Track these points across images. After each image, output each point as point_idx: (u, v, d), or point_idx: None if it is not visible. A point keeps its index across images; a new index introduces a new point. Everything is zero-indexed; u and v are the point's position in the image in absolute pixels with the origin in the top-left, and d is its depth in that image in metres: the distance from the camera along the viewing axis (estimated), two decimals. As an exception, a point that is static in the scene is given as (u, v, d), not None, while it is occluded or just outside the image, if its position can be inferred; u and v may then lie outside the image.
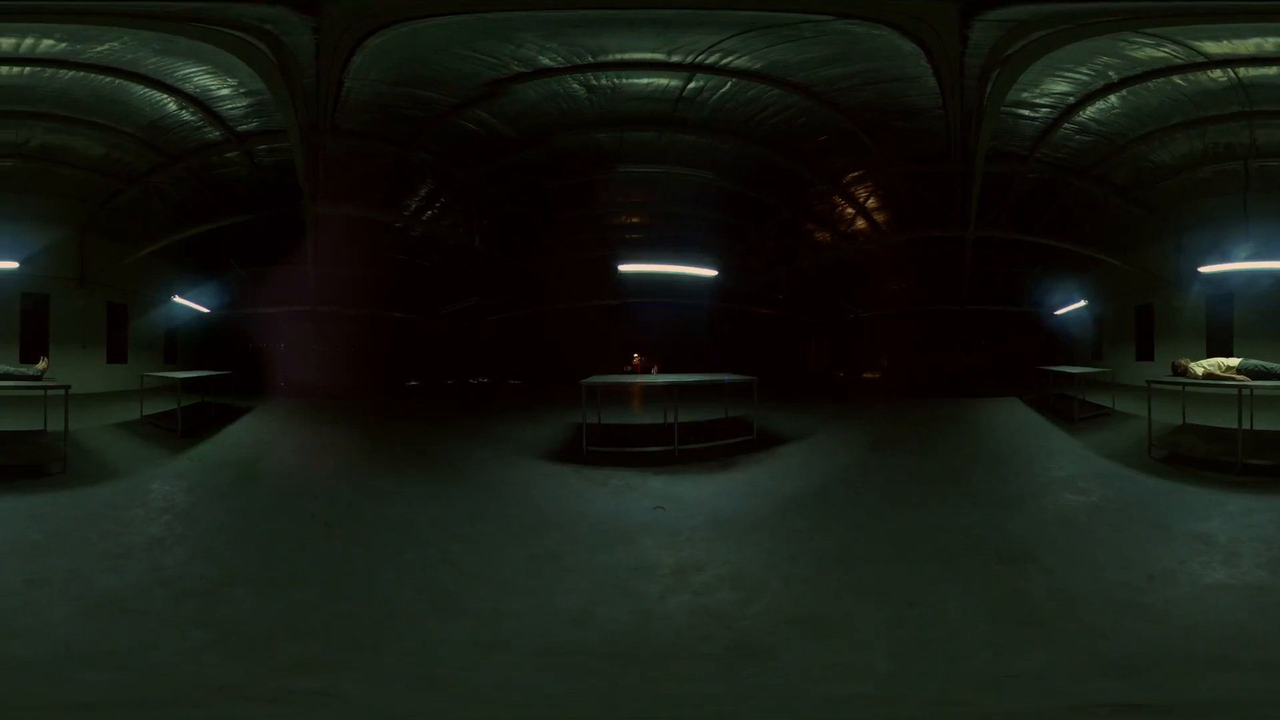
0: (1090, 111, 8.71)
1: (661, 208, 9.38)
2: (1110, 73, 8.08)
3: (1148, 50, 7.56)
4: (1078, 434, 8.43)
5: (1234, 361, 7.74)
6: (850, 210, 9.62)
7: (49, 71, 7.23)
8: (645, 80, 7.68)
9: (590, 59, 7.18)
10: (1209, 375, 7.72)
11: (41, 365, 7.19)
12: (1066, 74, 8.16)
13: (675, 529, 5.57)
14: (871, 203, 9.49)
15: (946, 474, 7.07)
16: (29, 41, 6.86)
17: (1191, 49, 7.50)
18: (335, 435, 8.18)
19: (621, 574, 4.70)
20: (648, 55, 7.26)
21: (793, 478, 6.93)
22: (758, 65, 7.40)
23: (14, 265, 7.73)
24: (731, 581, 4.53)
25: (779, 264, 10.18)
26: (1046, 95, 8.55)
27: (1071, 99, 8.58)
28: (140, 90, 7.76)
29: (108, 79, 7.52)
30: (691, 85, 7.62)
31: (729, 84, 7.71)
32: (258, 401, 8.77)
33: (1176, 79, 8.06)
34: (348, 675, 3.26)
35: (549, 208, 9.45)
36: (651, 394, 8.03)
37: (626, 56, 7.29)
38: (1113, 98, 8.47)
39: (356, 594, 4.24)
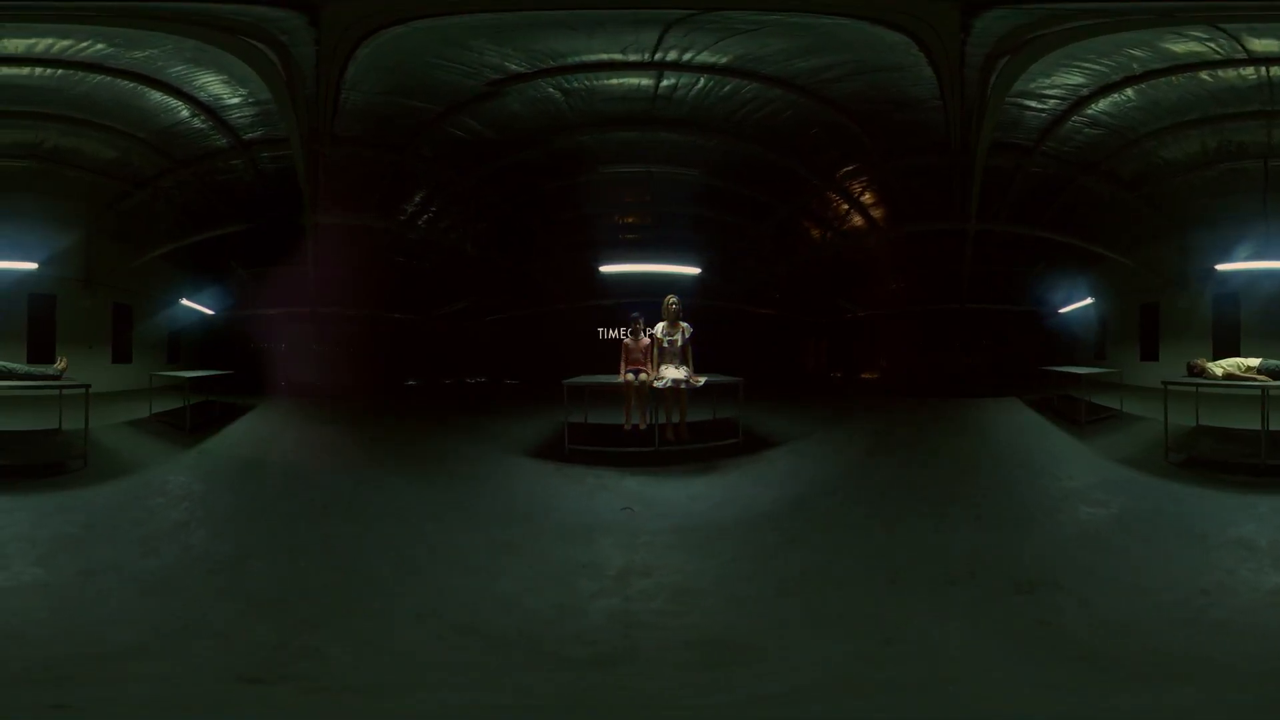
0: (1102, 104, 8.37)
1: (654, 207, 9.36)
2: (1134, 65, 7.75)
3: (1189, 45, 7.27)
4: (1086, 438, 8.10)
5: (1254, 362, 7.55)
6: (846, 206, 9.43)
7: (79, 75, 7.51)
8: (615, 80, 7.63)
9: (552, 63, 7.20)
10: (1229, 376, 7.47)
11: (61, 365, 7.53)
12: (1084, 65, 7.85)
13: (637, 531, 5.60)
14: (868, 198, 9.29)
15: (945, 485, 6.67)
16: (83, 45, 7.15)
17: (1238, 44, 7.18)
18: (334, 432, 8.39)
19: (567, 569, 4.85)
20: (604, 56, 7.21)
21: (774, 485, 6.71)
22: (724, 60, 7.29)
23: (33, 266, 8.11)
24: (671, 592, 4.46)
25: (775, 262, 10.05)
26: (1057, 87, 8.24)
27: (1085, 91, 8.25)
28: (157, 96, 8.03)
29: (131, 84, 7.79)
30: (665, 83, 7.58)
31: (701, 80, 7.62)
32: (260, 400, 9.05)
33: (1204, 74, 7.70)
34: (329, 634, 3.83)
35: (544, 210, 9.53)
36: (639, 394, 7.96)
37: (585, 58, 7.26)
38: (1129, 91, 8.14)
39: (344, 565, 4.83)
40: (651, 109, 7.92)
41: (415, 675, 3.51)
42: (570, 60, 7.30)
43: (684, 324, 7.94)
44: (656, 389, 7.67)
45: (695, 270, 9.15)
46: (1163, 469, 6.90)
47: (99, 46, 7.19)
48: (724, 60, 7.35)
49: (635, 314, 8.13)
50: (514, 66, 7.30)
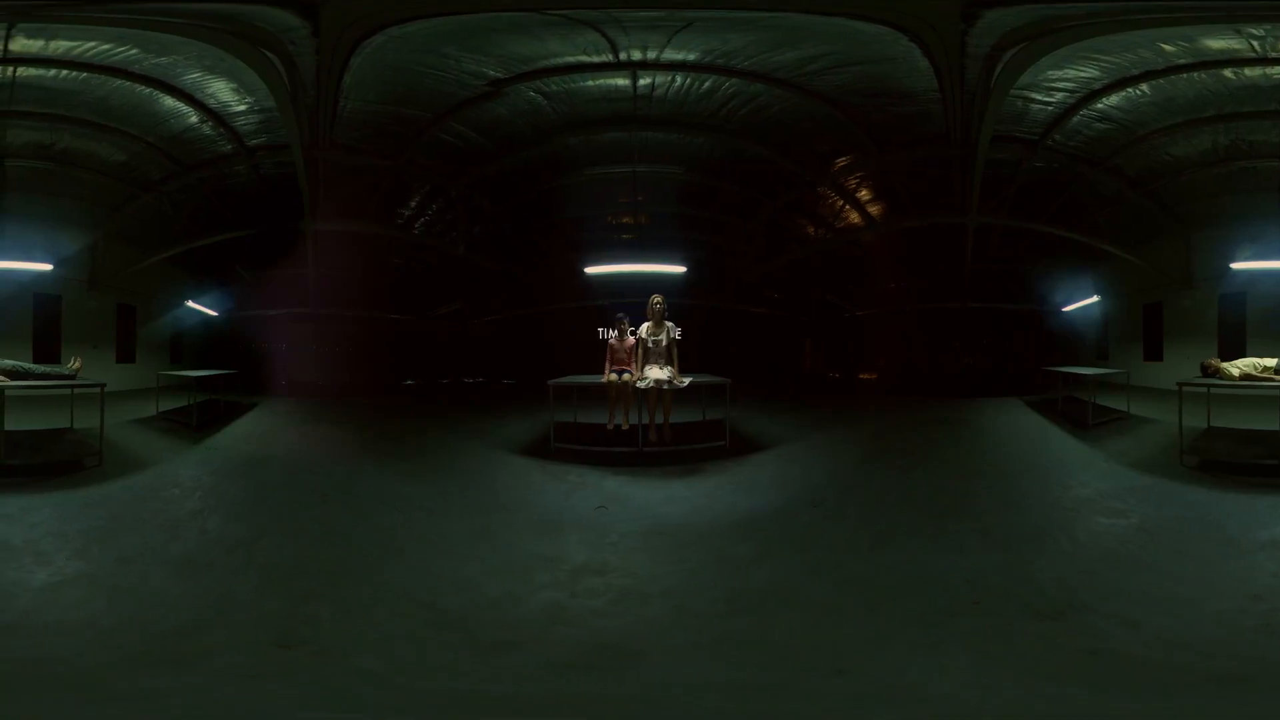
0: (1114, 99, 8.09)
1: (642, 207, 9.33)
2: (1159, 59, 7.45)
3: (1227, 41, 7.05)
4: (1094, 442, 7.75)
5: (1271, 362, 7.32)
6: (841, 201, 9.24)
7: (100, 78, 7.71)
8: (592, 82, 7.61)
9: (524, 67, 7.22)
10: (1245, 376, 7.25)
11: (75, 365, 7.77)
12: (1101, 58, 7.60)
13: (607, 530, 5.59)
14: (863, 193, 9.09)
15: (943, 495, 6.24)
16: (121, 48, 7.35)
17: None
18: (333, 428, 8.59)
19: (529, 560, 5.00)
20: (570, 58, 7.19)
21: (756, 492, 6.50)
22: (692, 56, 7.20)
23: (48, 268, 8.38)
24: (616, 595, 4.43)
25: (768, 260, 9.90)
26: (1068, 80, 7.99)
27: (1098, 84, 7.98)
28: (170, 102, 8.25)
29: (147, 90, 8.01)
30: (642, 83, 7.54)
31: (677, 78, 7.55)
32: (261, 399, 9.32)
33: (1227, 71, 7.45)
34: (324, 602, 4.27)
35: (534, 212, 9.57)
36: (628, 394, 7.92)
37: (554, 61, 7.25)
38: (1144, 86, 7.85)
39: (339, 545, 5.26)
40: (633, 109, 7.91)
41: (368, 641, 3.87)
42: (541, 64, 7.32)
43: (669, 324, 7.88)
44: (639, 389, 7.62)
45: (682, 269, 9.06)
46: (1178, 473, 6.61)
47: (133, 51, 7.42)
48: (691, 57, 7.27)
49: (620, 314, 8.10)
50: (491, 72, 7.37)
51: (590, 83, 7.66)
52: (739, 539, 5.40)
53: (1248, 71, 7.40)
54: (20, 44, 7.12)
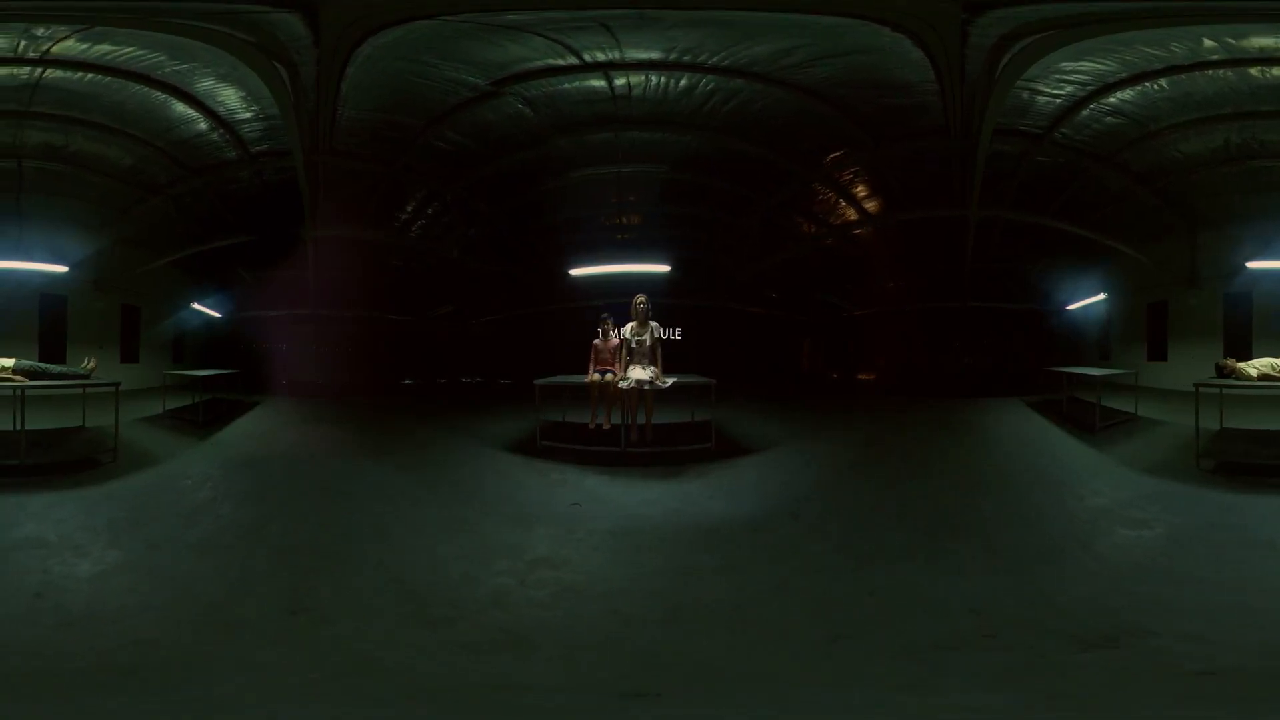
0: (1128, 93, 7.81)
1: (632, 207, 9.28)
2: (1190, 55, 7.20)
3: (1274, 39, 6.84)
4: (1103, 446, 7.48)
5: None
6: (836, 197, 9.06)
7: (120, 82, 7.92)
8: (570, 85, 7.58)
9: (501, 73, 7.26)
10: (1264, 377, 7.08)
11: (90, 365, 8.03)
12: (1123, 51, 7.35)
13: (575, 527, 5.63)
14: (860, 189, 8.90)
15: (942, 505, 5.89)
16: (156, 55, 7.58)
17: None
18: (332, 425, 8.76)
19: (497, 549, 5.24)
20: (540, 62, 7.19)
21: (737, 498, 6.34)
22: (654, 55, 7.11)
23: (64, 269, 8.60)
24: (562, 589, 4.52)
25: (764, 258, 9.74)
26: (1081, 73, 7.74)
27: (1114, 77, 7.72)
28: (181, 108, 8.45)
29: (162, 96, 8.22)
30: (619, 83, 7.48)
31: (651, 76, 7.46)
32: (263, 398, 9.48)
33: (1254, 70, 7.20)
34: (322, 576, 4.77)
35: (526, 216, 9.60)
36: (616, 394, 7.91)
37: (527, 66, 7.26)
38: (1163, 81, 7.56)
39: (336, 528, 5.70)
40: (614, 110, 7.86)
41: (349, 610, 4.29)
42: (515, 69, 7.32)
43: (654, 324, 7.83)
44: (621, 389, 7.58)
45: (666, 269, 9.00)
46: (1195, 476, 6.42)
47: (160, 57, 7.65)
48: (656, 55, 7.17)
49: (605, 314, 8.10)
50: (472, 79, 7.46)
51: (568, 85, 7.65)
52: (706, 547, 5.25)
53: (1276, 70, 7.14)
54: (64, 46, 7.34)
